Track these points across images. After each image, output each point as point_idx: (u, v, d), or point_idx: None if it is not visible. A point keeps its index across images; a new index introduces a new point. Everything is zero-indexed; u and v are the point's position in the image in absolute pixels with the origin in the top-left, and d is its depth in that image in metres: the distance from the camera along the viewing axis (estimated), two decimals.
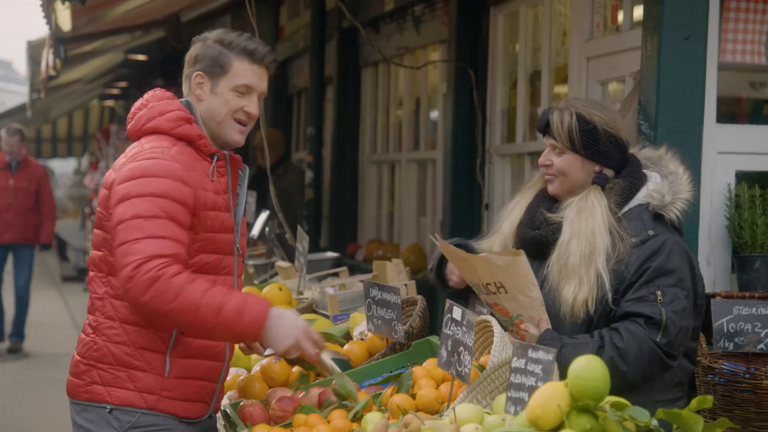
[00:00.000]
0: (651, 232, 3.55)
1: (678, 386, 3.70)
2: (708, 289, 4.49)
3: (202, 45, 3.41)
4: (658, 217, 3.62)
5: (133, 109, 3.50)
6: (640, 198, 3.64)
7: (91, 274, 3.45)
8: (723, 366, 3.92)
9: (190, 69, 3.43)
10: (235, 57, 3.38)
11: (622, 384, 3.46)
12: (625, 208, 3.61)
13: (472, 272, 3.55)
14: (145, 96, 3.50)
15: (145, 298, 3.16)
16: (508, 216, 3.84)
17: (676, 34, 4.38)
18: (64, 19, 7.25)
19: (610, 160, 3.66)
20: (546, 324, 3.49)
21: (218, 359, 3.47)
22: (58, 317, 14.34)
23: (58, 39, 8.28)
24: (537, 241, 3.66)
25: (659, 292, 3.47)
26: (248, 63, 3.38)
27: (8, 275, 11.99)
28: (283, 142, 9.78)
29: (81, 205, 20.12)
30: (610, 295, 3.50)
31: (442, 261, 3.92)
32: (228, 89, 3.38)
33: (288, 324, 3.32)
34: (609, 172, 3.67)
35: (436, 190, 8.10)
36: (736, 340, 3.99)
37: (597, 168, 3.66)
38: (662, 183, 3.68)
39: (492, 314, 3.56)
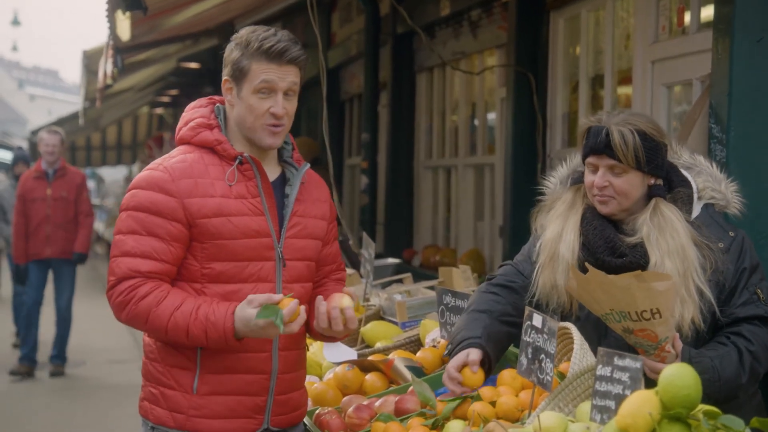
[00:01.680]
0: (732, 234, 3.50)
1: (758, 378, 3.62)
2: None
3: (229, 48, 3.34)
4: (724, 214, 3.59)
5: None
6: (695, 200, 3.56)
7: None
8: None
9: (222, 74, 3.38)
10: (253, 59, 3.27)
11: (755, 384, 3.47)
12: (694, 214, 3.53)
13: (626, 300, 3.27)
14: (186, 108, 3.51)
15: (122, 319, 3.29)
16: (561, 240, 3.58)
17: (748, 36, 4.33)
18: (124, 28, 7.31)
19: (663, 169, 3.54)
20: (680, 343, 3.34)
21: (258, 371, 3.36)
22: (114, 325, 14.39)
23: (116, 48, 8.35)
24: (627, 269, 3.40)
25: (759, 291, 3.46)
26: (266, 62, 3.26)
27: (48, 292, 11.15)
28: (314, 148, 9.72)
29: None
30: (716, 307, 3.43)
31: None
32: (250, 93, 3.29)
33: (252, 329, 3.20)
34: (659, 181, 3.54)
35: (494, 194, 8.08)
36: None
37: (652, 181, 3.52)
38: (705, 179, 3.59)
39: (635, 344, 3.34)
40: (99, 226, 23.99)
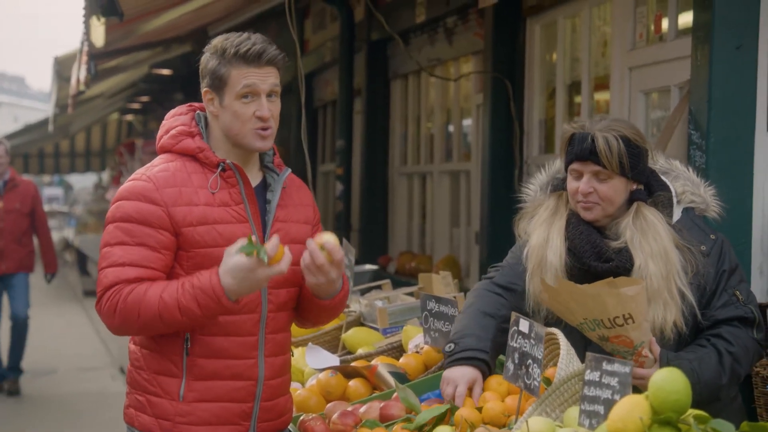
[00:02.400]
0: (713, 237, 3.53)
1: (737, 382, 3.66)
2: (761, 299, 4.50)
3: (204, 58, 3.31)
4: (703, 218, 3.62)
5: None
6: (674, 204, 3.58)
7: None
8: None
9: (200, 84, 3.34)
10: (231, 65, 3.23)
11: (736, 386, 3.50)
12: (674, 218, 3.56)
13: (598, 308, 3.31)
14: (166, 116, 3.47)
15: (116, 324, 3.22)
16: (548, 247, 3.59)
17: (728, 43, 4.37)
18: (98, 34, 7.27)
19: (645, 174, 3.57)
20: (656, 347, 3.36)
21: (245, 378, 3.33)
22: (84, 332, 14.36)
23: (91, 54, 8.30)
24: (613, 273, 3.43)
25: (737, 292, 3.48)
26: (245, 67, 3.23)
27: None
28: (283, 156, 9.73)
29: (102, 220, 20.14)
30: (697, 310, 3.45)
31: None
32: (233, 99, 3.25)
33: (242, 277, 3.11)
34: (639, 185, 3.56)
35: (470, 201, 8.09)
36: None
37: (634, 186, 3.54)
38: (683, 184, 3.61)
39: (613, 351, 3.36)
40: (68, 233, 23.82)
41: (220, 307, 3.16)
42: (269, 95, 3.30)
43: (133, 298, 3.18)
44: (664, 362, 3.32)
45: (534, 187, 3.82)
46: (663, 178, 3.64)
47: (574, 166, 3.53)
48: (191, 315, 3.17)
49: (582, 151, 3.49)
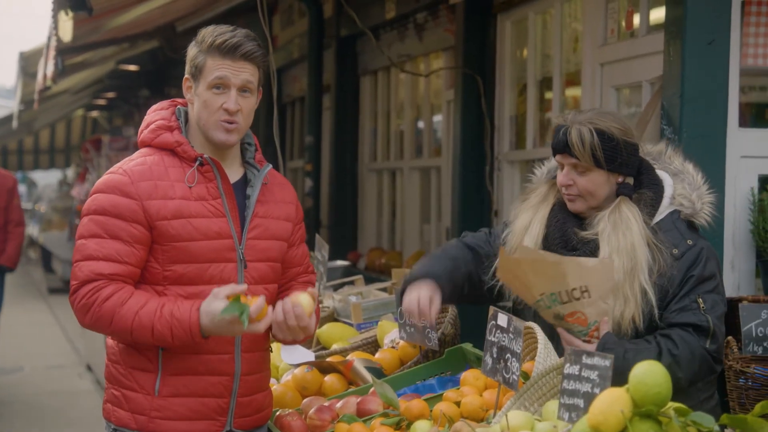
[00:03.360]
0: (690, 242, 3.50)
1: (714, 382, 3.69)
2: (732, 293, 4.53)
3: (189, 47, 3.35)
4: (689, 223, 3.58)
5: None
6: (666, 205, 3.57)
7: None
8: (755, 370, 3.91)
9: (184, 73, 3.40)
10: (207, 55, 3.27)
11: (673, 390, 3.50)
12: (657, 218, 3.55)
13: (557, 278, 3.36)
14: (148, 110, 3.50)
15: (86, 323, 3.26)
16: (527, 232, 3.65)
17: (700, 38, 4.40)
18: (66, 29, 7.20)
19: (631, 168, 3.57)
20: (606, 327, 3.42)
21: (221, 373, 3.33)
22: (50, 330, 14.25)
23: (58, 50, 8.22)
24: None
25: (700, 300, 3.45)
26: (219, 58, 3.26)
27: None
28: None
29: (67, 217, 20.00)
30: (656, 311, 3.46)
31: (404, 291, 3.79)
32: (205, 89, 3.28)
33: (218, 325, 3.17)
34: (629, 179, 3.58)
35: (441, 197, 8.09)
36: (765, 344, 3.98)
37: (620, 179, 3.56)
38: (683, 186, 3.61)
39: (567, 331, 3.43)
40: (33, 230, 23.63)
41: (192, 341, 3.21)
42: (243, 90, 3.30)
43: (110, 306, 3.19)
44: (602, 344, 3.36)
45: (539, 172, 3.86)
46: (663, 177, 3.63)
47: (557, 158, 3.59)
48: (161, 340, 3.21)
49: (557, 144, 3.54)
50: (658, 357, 3.38)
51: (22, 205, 9.95)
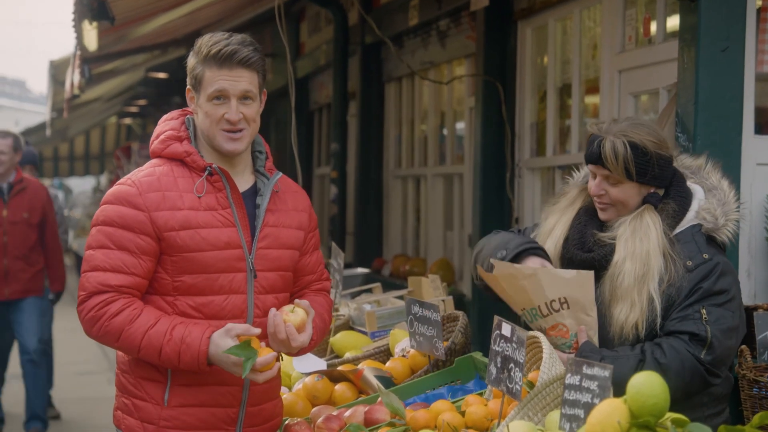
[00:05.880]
0: (706, 256, 3.49)
1: (724, 398, 3.67)
2: (748, 302, 4.49)
3: (189, 57, 3.34)
4: (710, 238, 3.57)
5: None
6: (690, 218, 3.58)
7: None
8: None
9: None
10: (205, 66, 3.26)
11: (718, 406, 3.50)
12: (678, 230, 3.56)
13: (535, 292, 3.44)
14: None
15: (92, 335, 3.26)
16: (550, 235, 3.73)
17: (714, 46, 4.38)
18: (91, 38, 7.26)
19: (663, 180, 3.60)
20: (584, 335, 3.47)
21: (230, 383, 3.35)
22: (81, 336, 14.27)
23: (84, 58, 8.30)
24: (589, 264, 3.57)
25: (704, 311, 3.44)
26: (216, 68, 3.25)
27: None
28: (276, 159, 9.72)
29: None
30: (659, 320, 3.46)
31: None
32: (205, 100, 3.29)
33: (224, 362, 3.19)
34: (659, 191, 3.61)
35: (463, 204, 8.09)
36: None
37: (651, 190, 3.59)
38: (711, 201, 3.60)
39: (552, 345, 3.45)
40: (68, 236, 23.82)
41: (198, 368, 3.23)
42: (243, 98, 3.30)
43: (118, 322, 3.20)
44: (579, 352, 3.41)
45: (576, 176, 3.91)
46: (695, 191, 3.63)
47: (590, 167, 3.64)
48: (168, 363, 3.23)
49: (591, 155, 3.60)
50: (640, 365, 3.38)
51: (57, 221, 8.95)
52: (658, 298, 3.45)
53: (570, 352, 3.45)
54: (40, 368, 8.46)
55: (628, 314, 3.46)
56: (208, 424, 3.34)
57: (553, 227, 3.74)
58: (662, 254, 3.48)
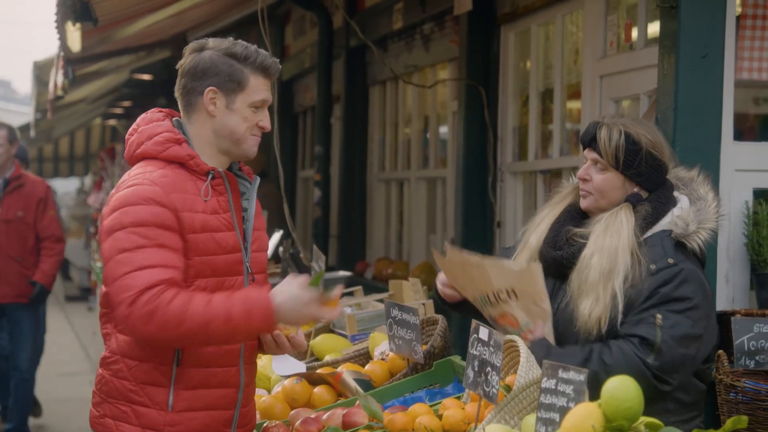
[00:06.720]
0: (671, 261, 3.49)
1: (693, 406, 3.66)
2: (727, 307, 4.52)
3: (210, 57, 3.29)
4: (680, 245, 3.57)
5: (126, 135, 3.42)
6: (664, 224, 3.59)
7: (101, 310, 3.40)
8: (745, 384, 3.90)
9: (196, 83, 3.30)
10: (252, 73, 3.28)
11: (692, 411, 3.56)
12: (649, 233, 3.57)
13: (482, 280, 3.51)
14: (137, 120, 3.41)
15: (150, 330, 3.12)
16: (536, 229, 3.77)
17: (694, 52, 4.41)
18: (74, 39, 7.26)
19: (650, 183, 3.63)
20: (541, 329, 3.53)
21: (229, 386, 3.35)
22: (65, 337, 14.31)
23: (67, 60, 8.29)
24: (558, 262, 3.61)
25: (659, 316, 3.43)
26: (262, 78, 3.31)
27: None
28: (261, 161, 9.68)
29: (84, 225, 20.09)
30: (620, 317, 3.48)
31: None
32: (245, 105, 3.29)
33: (294, 304, 3.17)
34: (644, 193, 3.64)
35: (446, 208, 8.11)
36: (757, 358, 3.97)
37: (636, 189, 3.62)
38: (689, 210, 3.61)
39: (500, 327, 3.57)
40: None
41: (269, 323, 3.18)
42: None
43: (177, 305, 3.10)
44: (534, 345, 3.45)
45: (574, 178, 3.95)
46: (681, 200, 3.64)
47: (584, 152, 3.69)
48: (237, 328, 3.15)
49: (585, 135, 3.67)
50: (585, 362, 3.40)
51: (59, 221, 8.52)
52: (621, 296, 3.47)
53: None
54: (30, 383, 8.30)
55: (592, 309, 3.48)
56: (209, 428, 3.32)
57: (540, 222, 3.79)
58: (630, 253, 3.50)
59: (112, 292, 3.16)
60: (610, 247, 3.50)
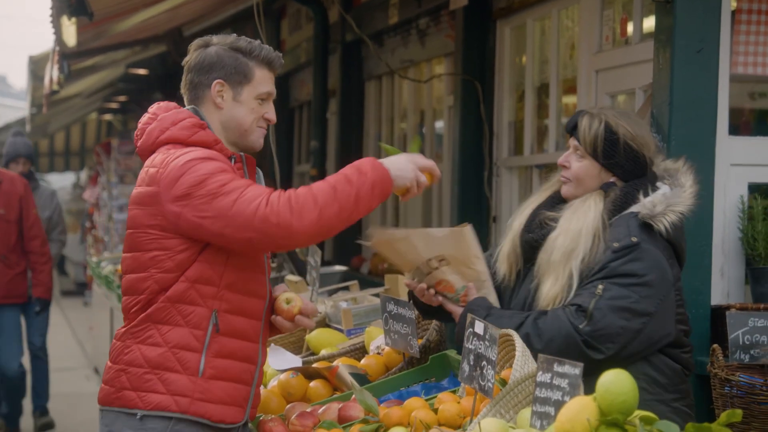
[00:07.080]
0: (634, 239, 3.51)
1: (672, 387, 3.63)
2: (722, 301, 4.53)
3: (215, 52, 3.36)
4: (647, 226, 3.56)
5: (141, 125, 3.41)
6: (633, 208, 3.61)
7: (126, 297, 3.38)
8: (740, 378, 3.92)
9: (203, 76, 3.36)
10: (257, 66, 3.38)
11: (673, 393, 3.59)
12: (617, 216, 3.60)
13: (412, 253, 3.58)
14: (151, 109, 3.43)
15: (294, 221, 3.10)
16: (520, 215, 3.84)
17: (689, 47, 4.41)
18: (70, 34, 7.25)
19: (627, 174, 3.65)
20: (474, 292, 3.63)
21: (252, 361, 3.39)
22: (60, 332, 14.31)
23: (63, 54, 8.28)
24: (529, 244, 3.70)
25: (601, 286, 3.46)
26: (267, 71, 3.40)
27: None
28: (256, 156, 9.71)
29: (80, 220, 20.09)
30: (572, 294, 3.54)
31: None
32: (252, 97, 3.38)
33: (399, 158, 3.32)
34: (620, 183, 3.67)
35: (442, 202, 8.11)
36: (752, 352, 4.00)
37: (613, 179, 3.66)
38: (659, 194, 3.63)
39: (437, 294, 3.69)
40: (65, 236, 23.67)
41: (380, 176, 3.21)
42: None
43: (300, 189, 3.16)
44: (468, 307, 3.59)
45: None
46: (663, 190, 3.65)
47: (569, 141, 3.76)
48: (360, 185, 3.17)
49: (569, 123, 3.76)
50: (519, 326, 3.48)
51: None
52: (576, 276, 3.53)
53: (461, 305, 3.66)
54: (21, 389, 8.17)
55: (551, 288, 3.56)
56: (233, 400, 3.34)
57: (525, 208, 3.85)
58: (593, 234, 3.55)
59: (231, 226, 3.13)
60: (575, 228, 3.57)
